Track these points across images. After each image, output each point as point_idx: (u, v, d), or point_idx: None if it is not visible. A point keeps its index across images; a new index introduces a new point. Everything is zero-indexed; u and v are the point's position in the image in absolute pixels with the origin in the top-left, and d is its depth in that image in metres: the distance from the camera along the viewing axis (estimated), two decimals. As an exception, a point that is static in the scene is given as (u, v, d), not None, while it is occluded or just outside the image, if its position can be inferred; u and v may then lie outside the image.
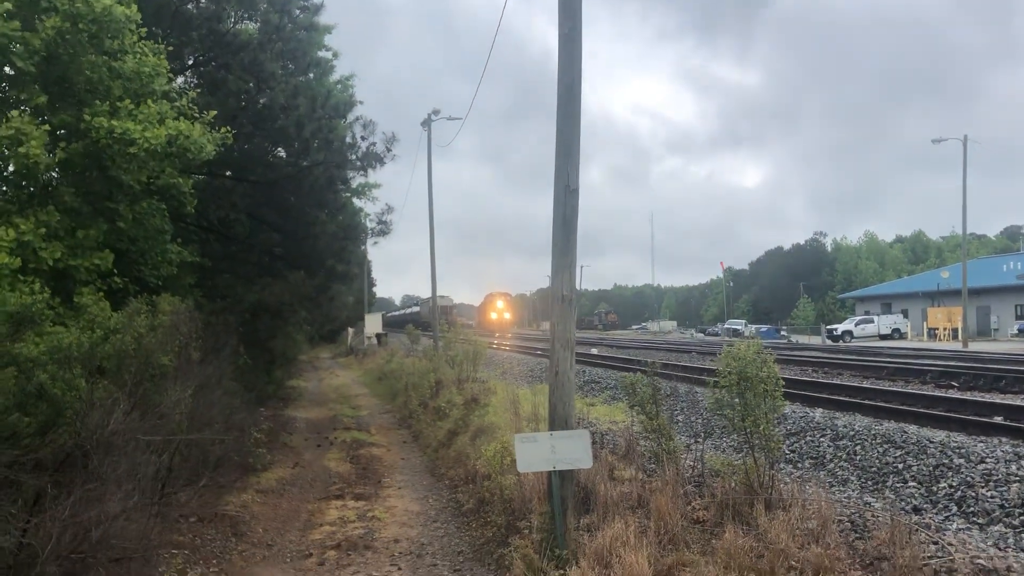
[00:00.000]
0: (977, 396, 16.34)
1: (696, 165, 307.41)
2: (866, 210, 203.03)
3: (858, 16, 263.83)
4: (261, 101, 17.81)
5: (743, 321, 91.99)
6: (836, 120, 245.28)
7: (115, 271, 11.80)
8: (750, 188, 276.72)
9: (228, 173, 19.01)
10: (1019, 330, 55.94)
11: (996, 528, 7.19)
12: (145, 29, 12.48)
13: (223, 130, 12.84)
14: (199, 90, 16.28)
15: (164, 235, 13.63)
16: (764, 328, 76.69)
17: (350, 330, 61.66)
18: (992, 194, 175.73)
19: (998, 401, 14.78)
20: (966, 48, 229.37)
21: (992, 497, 7.82)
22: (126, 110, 11.28)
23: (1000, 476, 8.24)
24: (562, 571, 6.97)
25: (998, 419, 12.55)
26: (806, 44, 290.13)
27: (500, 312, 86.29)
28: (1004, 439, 10.36)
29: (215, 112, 13.06)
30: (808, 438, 11.52)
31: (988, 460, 8.78)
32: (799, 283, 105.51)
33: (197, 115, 12.53)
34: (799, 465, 10.50)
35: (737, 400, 7.92)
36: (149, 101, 11.57)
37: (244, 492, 12.21)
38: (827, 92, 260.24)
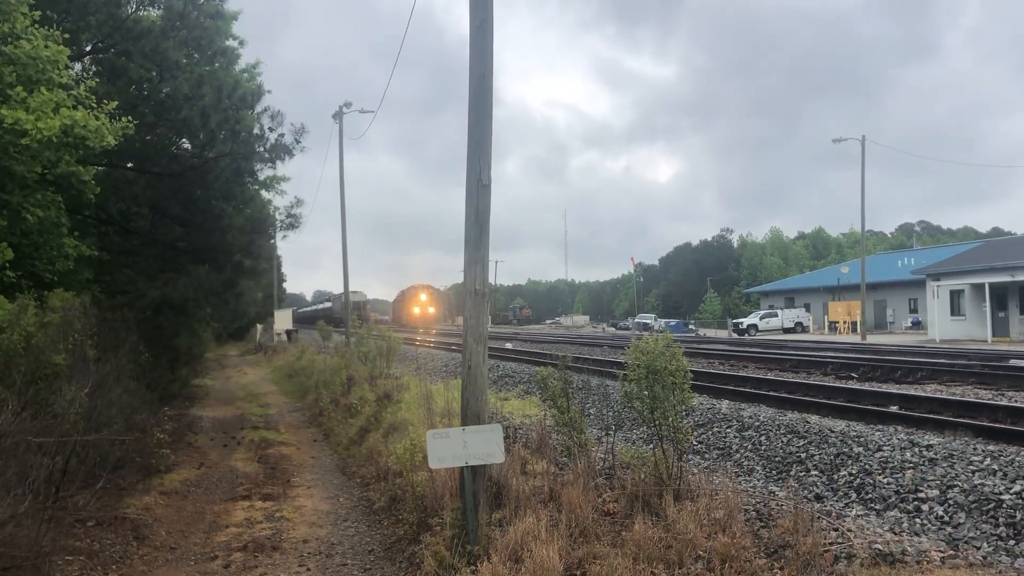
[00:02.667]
0: (875, 387, 16.99)
1: (612, 160, 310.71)
2: (775, 205, 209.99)
3: (774, 8, 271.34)
4: (164, 90, 17.22)
5: (653, 315, 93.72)
6: (750, 114, 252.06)
7: (6, 265, 11.24)
8: (664, 183, 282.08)
9: (130, 165, 18.34)
10: (913, 323, 58.51)
11: (892, 513, 7.46)
12: (39, 12, 11.90)
13: (124, 120, 12.34)
14: (98, 78, 15.62)
15: (60, 228, 13.06)
16: (673, 322, 78.24)
17: (259, 327, 60.53)
18: (892, 191, 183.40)
19: (893, 391, 15.38)
20: (879, 42, 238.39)
21: (888, 484, 8.11)
22: (18, 98, 10.73)
23: (896, 463, 8.55)
24: (473, 567, 6.92)
25: (893, 408, 13.08)
26: (723, 36, 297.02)
27: (423, 306, 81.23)
28: (899, 427, 10.79)
29: (116, 103, 12.54)
30: (715, 429, 11.76)
31: (885, 448, 9.10)
32: (707, 278, 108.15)
33: (95, 104, 12.00)
34: (707, 456, 10.70)
35: (646, 393, 8.00)
36: (43, 88, 11.01)
37: (146, 494, 11.80)
38: (742, 86, 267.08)
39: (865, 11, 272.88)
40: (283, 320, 56.93)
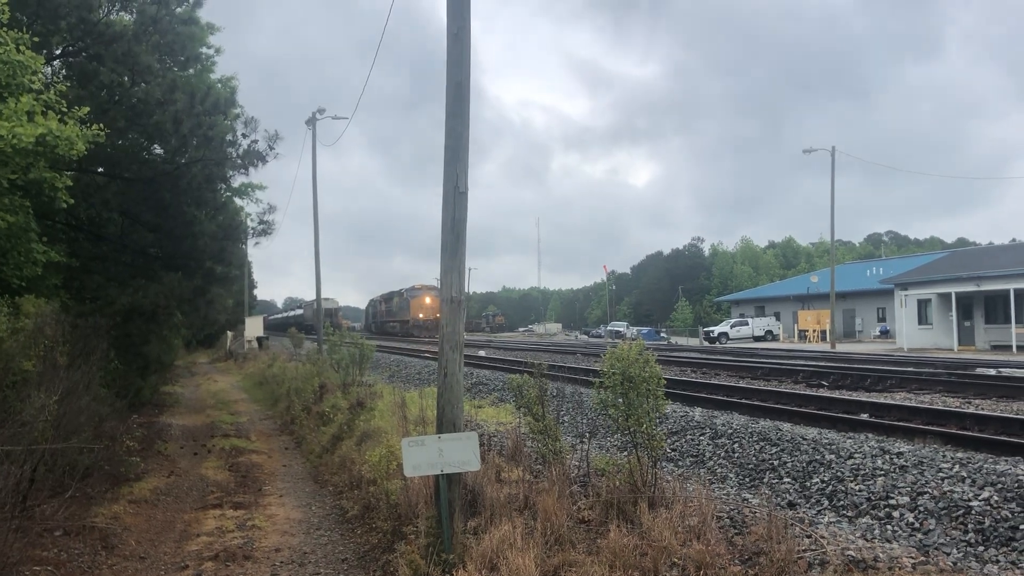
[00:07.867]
0: (845, 394, 17.17)
1: (591, 163, 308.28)
2: (749, 212, 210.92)
3: (763, 5, 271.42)
4: (136, 95, 17.05)
5: (625, 323, 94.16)
6: (734, 116, 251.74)
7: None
8: (641, 188, 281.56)
9: (100, 170, 18.12)
10: (881, 332, 59.21)
11: (864, 520, 7.55)
12: (7, 14, 11.72)
13: (94, 127, 12.17)
14: (68, 82, 15.43)
15: (28, 233, 12.86)
16: (645, 330, 78.66)
17: (230, 334, 59.91)
18: (865, 200, 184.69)
19: (864, 399, 15.56)
20: (872, 41, 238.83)
21: (860, 491, 8.20)
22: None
23: (867, 470, 8.66)
24: (448, 575, 6.91)
25: (864, 416, 13.22)
26: (709, 34, 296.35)
27: (429, 310, 70.09)
28: (870, 435, 10.94)
29: (87, 109, 12.38)
30: (688, 437, 11.83)
31: (856, 455, 9.21)
32: (678, 286, 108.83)
33: (65, 109, 11.84)
34: (680, 463, 10.76)
35: (621, 400, 8.03)
36: (22, 96, 10.84)
37: (115, 503, 11.62)
38: (727, 86, 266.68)
39: (858, 8, 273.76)
40: (254, 327, 56.54)
